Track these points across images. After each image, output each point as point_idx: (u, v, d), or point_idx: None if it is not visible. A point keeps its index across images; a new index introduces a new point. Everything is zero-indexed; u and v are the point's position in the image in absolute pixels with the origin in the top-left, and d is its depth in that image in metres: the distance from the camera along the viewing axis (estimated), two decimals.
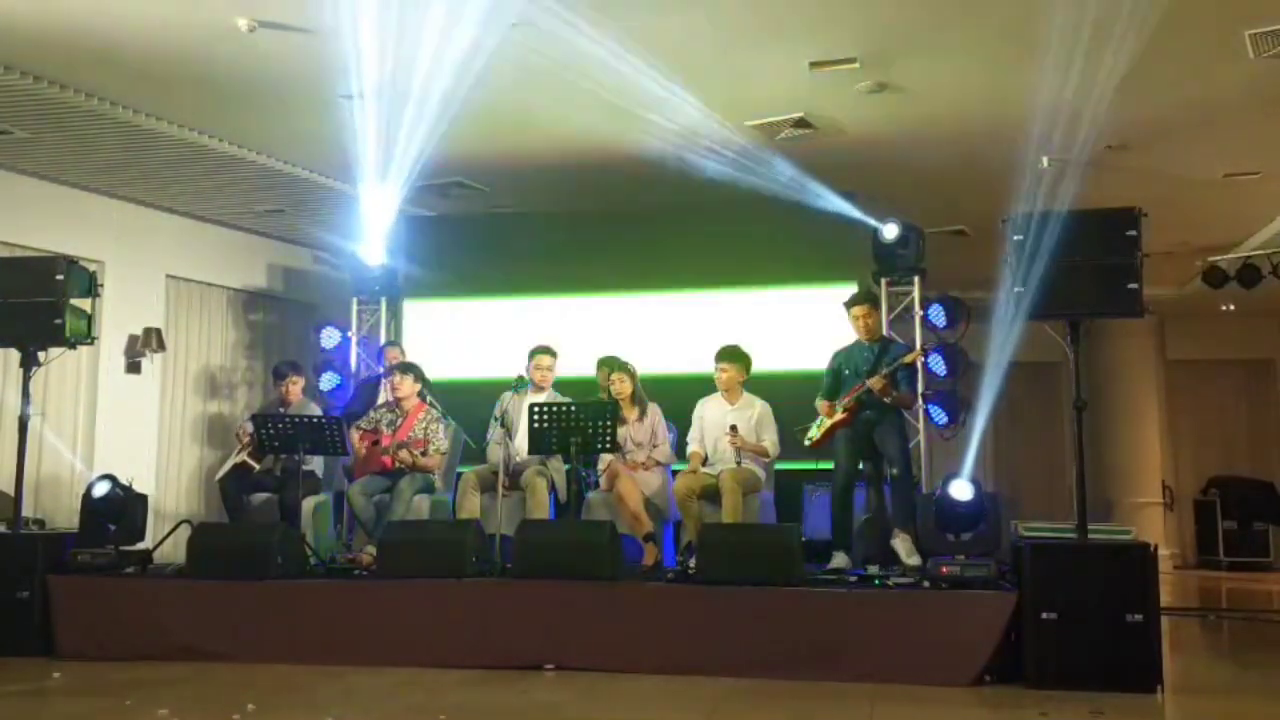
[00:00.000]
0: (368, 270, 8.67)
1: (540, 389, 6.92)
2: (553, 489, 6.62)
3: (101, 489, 6.14)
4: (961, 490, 5.42)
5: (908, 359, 6.17)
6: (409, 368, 7.15)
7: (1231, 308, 11.03)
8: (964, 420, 7.30)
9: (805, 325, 7.81)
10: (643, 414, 6.76)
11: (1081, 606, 4.85)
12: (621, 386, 6.73)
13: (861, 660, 5.03)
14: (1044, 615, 4.87)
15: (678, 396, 7.03)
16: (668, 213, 8.44)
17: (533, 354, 6.99)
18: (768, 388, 6.84)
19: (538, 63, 6.13)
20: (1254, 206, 8.64)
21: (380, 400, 7.75)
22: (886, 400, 6.12)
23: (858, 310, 6.36)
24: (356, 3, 5.49)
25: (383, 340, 8.73)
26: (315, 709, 4.67)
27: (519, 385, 6.90)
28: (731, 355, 6.71)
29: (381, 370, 8.18)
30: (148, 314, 8.78)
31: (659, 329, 8.16)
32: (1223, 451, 12.65)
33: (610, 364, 7.01)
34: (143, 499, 6.20)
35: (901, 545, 6.00)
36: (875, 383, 6.07)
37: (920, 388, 7.20)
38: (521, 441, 6.58)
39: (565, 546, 5.60)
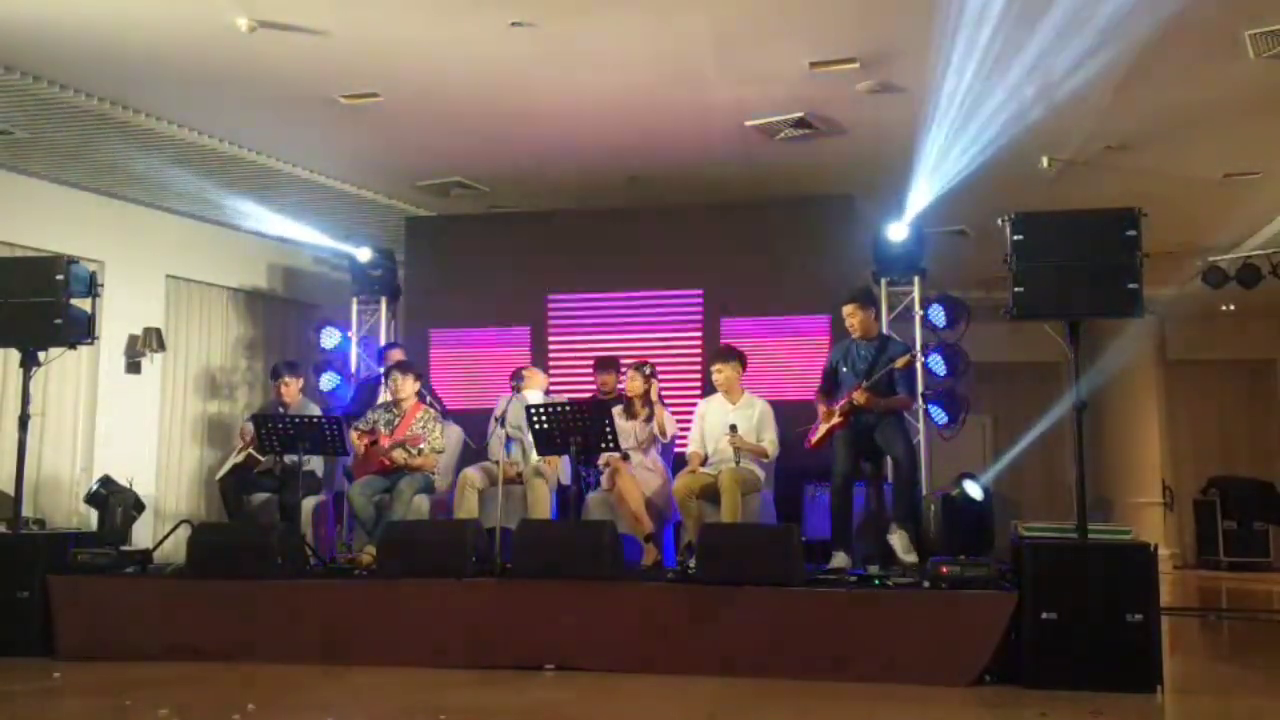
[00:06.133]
0: (367, 270, 8.68)
1: (536, 386, 6.91)
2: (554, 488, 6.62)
3: (92, 489, 6.16)
4: (974, 490, 5.42)
5: (898, 364, 6.11)
6: (408, 366, 7.15)
7: (1231, 308, 11.03)
8: (964, 420, 7.30)
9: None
10: (650, 416, 6.76)
11: (1081, 606, 4.84)
12: (634, 385, 6.74)
13: (861, 660, 5.02)
14: (1044, 615, 4.86)
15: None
16: (667, 212, 8.43)
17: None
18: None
19: (538, 62, 6.13)
20: (1254, 206, 8.63)
21: (380, 400, 7.74)
22: (875, 409, 6.09)
23: (845, 309, 6.35)
24: (357, 2, 5.49)
25: (383, 341, 8.75)
26: (315, 709, 4.66)
27: (516, 385, 6.90)
28: (726, 354, 6.71)
29: (381, 370, 8.17)
30: (148, 314, 8.77)
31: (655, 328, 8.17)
32: (1223, 451, 12.64)
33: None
34: (126, 499, 6.19)
35: (898, 541, 5.95)
36: (859, 396, 6.03)
37: (920, 387, 7.18)
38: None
39: (565, 546, 5.59)
